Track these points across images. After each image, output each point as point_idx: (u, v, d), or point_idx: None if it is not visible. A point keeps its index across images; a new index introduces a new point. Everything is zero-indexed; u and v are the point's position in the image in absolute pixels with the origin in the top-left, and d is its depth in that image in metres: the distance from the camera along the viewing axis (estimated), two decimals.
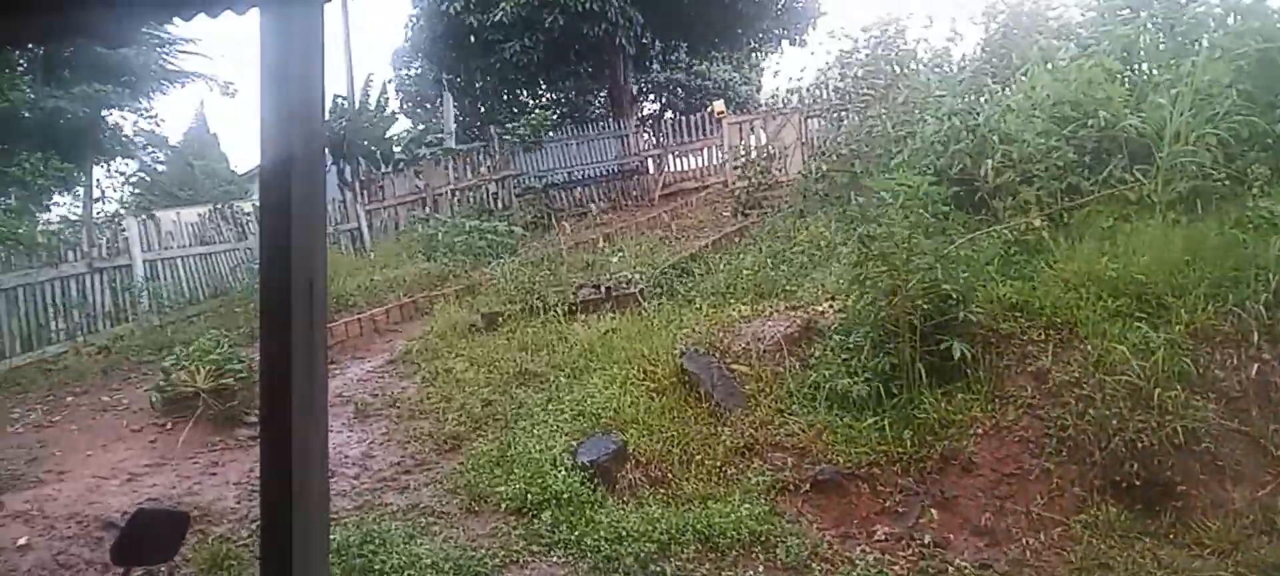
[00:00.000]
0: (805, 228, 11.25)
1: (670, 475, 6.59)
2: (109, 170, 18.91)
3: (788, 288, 9.39)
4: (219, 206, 16.35)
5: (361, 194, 18.31)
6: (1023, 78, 9.78)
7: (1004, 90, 10.45)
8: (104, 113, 14.99)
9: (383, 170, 18.91)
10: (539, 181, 18.65)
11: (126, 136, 17.46)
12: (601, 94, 25.55)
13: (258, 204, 15.94)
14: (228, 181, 30.14)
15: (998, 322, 6.92)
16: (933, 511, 5.86)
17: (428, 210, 17.61)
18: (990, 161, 8.37)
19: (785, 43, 23.17)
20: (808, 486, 6.20)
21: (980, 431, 6.32)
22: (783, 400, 7.10)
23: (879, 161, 10.42)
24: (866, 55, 13.28)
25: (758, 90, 29.02)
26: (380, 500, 6.45)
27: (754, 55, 26.35)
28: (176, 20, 2.60)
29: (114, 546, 1.88)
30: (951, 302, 6.66)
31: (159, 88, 16.21)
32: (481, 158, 19.11)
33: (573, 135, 20.60)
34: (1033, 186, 8.26)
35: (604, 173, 19.61)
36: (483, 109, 24.24)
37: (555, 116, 23.16)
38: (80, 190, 16.04)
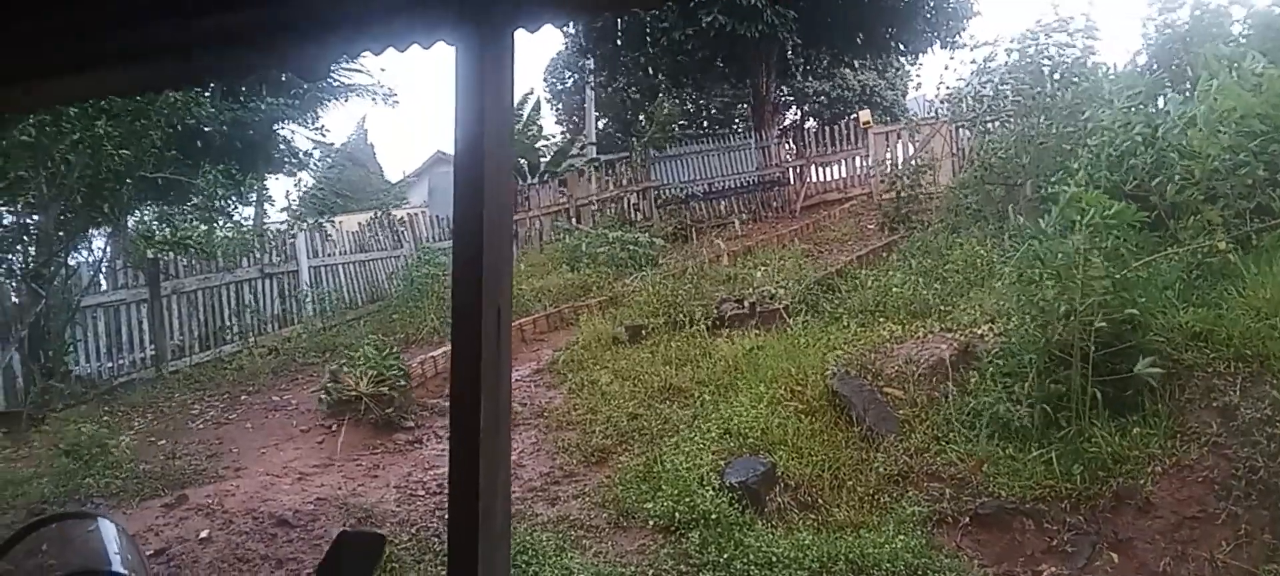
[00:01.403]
0: (959, 244, 10.81)
1: (821, 500, 6.45)
2: (279, 180, 20.25)
3: (942, 308, 9.03)
4: (377, 215, 17.15)
5: None
6: (1202, 87, 9.08)
7: (1182, 101, 9.73)
8: (276, 127, 15.99)
9: (529, 181, 19.38)
10: (681, 192, 18.69)
11: (296, 149, 18.55)
12: (741, 104, 25.40)
13: (410, 212, 16.57)
14: (383, 190, 31.72)
15: (1179, 352, 6.43)
16: (1111, 555, 5.49)
17: (572, 221, 17.93)
18: (1170, 177, 7.80)
19: (937, 45, 22.15)
20: (967, 520, 5.93)
21: (1159, 469, 5.89)
22: (939, 427, 6.82)
23: (1041, 175, 9.90)
24: (1024, 60, 12.63)
25: (903, 97, 28.19)
26: (531, 510, 6.56)
27: (901, 60, 25.49)
28: (367, 52, 2.69)
29: (320, 568, 1.94)
30: (1130, 329, 6.23)
31: (328, 101, 17.15)
32: (623, 169, 19.33)
33: (714, 145, 20.56)
34: (1217, 205, 7.65)
35: (745, 183, 19.49)
36: (628, 118, 24.52)
37: (701, 126, 23.16)
38: (253, 199, 17.13)
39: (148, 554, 6.00)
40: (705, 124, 25.34)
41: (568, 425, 8.17)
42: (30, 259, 9.95)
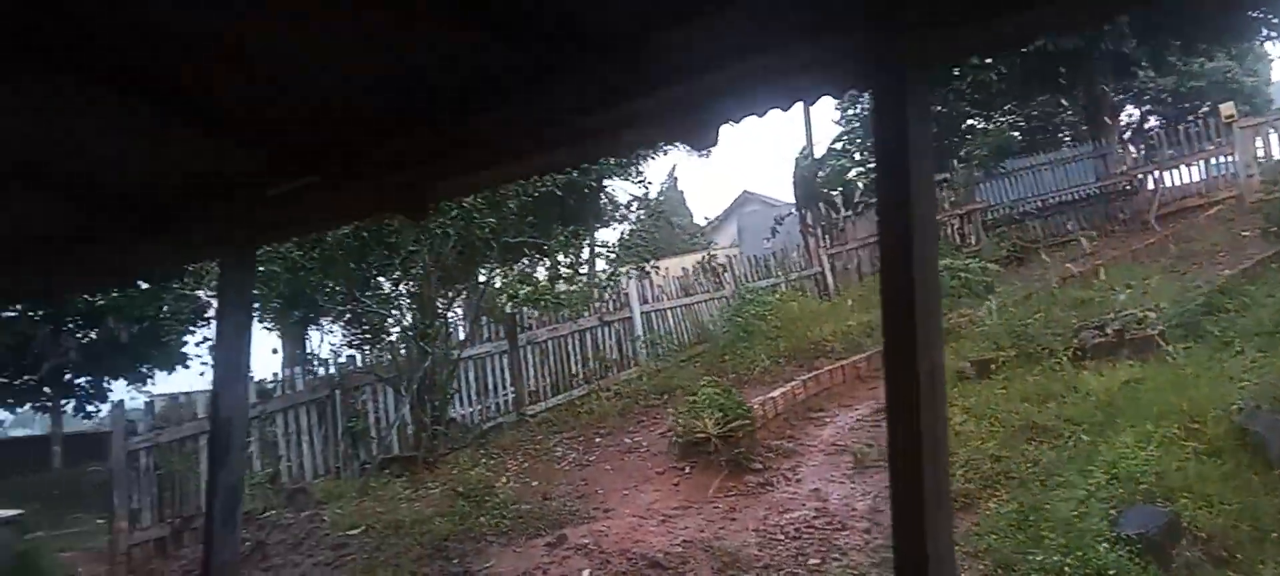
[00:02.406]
0: None
1: (1240, 555, 5.61)
2: (602, 233, 21.71)
3: None
4: (701, 260, 17.73)
5: (824, 238, 18.67)
6: None
7: None
8: (605, 184, 17.16)
9: (844, 213, 19.12)
10: (1010, 212, 17.51)
11: (618, 202, 19.75)
12: (1067, 111, 23.37)
13: (729, 254, 16.82)
14: (694, 235, 32.86)
15: None
16: None
17: None
18: None
19: None
20: None
21: None
22: None
23: None
24: None
25: (1266, 85, 24.50)
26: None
27: (1266, 44, 22.14)
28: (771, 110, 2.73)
29: None
30: None
31: (648, 156, 18.12)
32: (944, 192, 18.47)
33: (1044, 159, 19.06)
34: None
35: (1084, 196, 17.86)
36: (944, 140, 23.45)
37: (1025, 139, 21.64)
38: (586, 253, 18.43)
39: None
40: (1029, 136, 23.57)
41: None
42: (416, 320, 11.36)
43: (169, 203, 4.56)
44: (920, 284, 1.99)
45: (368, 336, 19.28)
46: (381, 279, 12.56)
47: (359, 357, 12.67)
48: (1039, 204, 17.97)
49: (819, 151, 21.05)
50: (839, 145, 20.62)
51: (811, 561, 6.42)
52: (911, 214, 2.01)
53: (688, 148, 12.41)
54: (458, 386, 12.16)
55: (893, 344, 2.05)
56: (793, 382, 10.43)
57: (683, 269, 17.24)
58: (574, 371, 13.94)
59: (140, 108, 2.96)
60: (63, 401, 21.81)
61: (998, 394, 8.77)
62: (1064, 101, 23.33)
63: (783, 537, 6.89)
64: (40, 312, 17.99)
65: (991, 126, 20.96)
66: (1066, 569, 5.61)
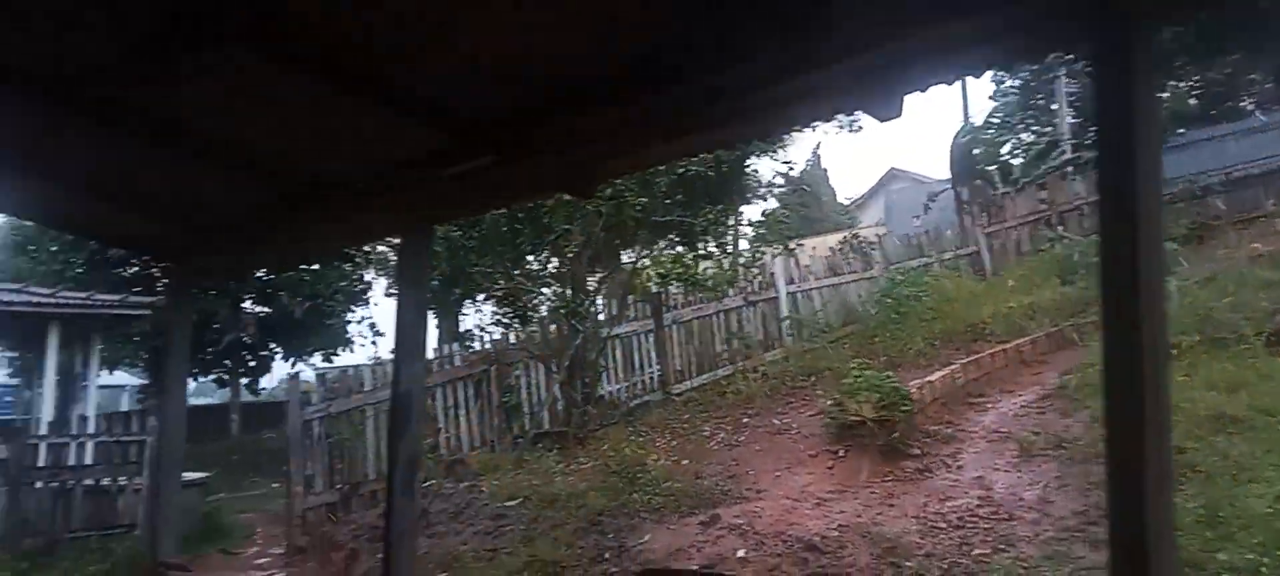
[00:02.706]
0: None
1: None
2: (745, 211, 21.50)
3: None
4: (847, 239, 17.34)
5: (980, 216, 17.87)
6: None
7: None
8: (748, 162, 16.96)
9: (1001, 189, 18.24)
10: (1191, 186, 16.24)
11: (761, 180, 19.49)
12: (1253, 77, 21.44)
13: (878, 233, 16.36)
14: (838, 213, 32.19)
15: None
16: None
17: (1054, 229, 16.47)
18: None
19: None
20: None
21: None
22: None
23: None
24: None
25: None
26: (1070, 552, 6.01)
27: None
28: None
29: None
30: None
31: (793, 133, 17.80)
32: None
33: (1227, 128, 17.59)
34: None
35: (1275, 168, 16.33)
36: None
37: (1196, 107, 20.07)
38: (730, 232, 18.30)
39: (692, 570, 6.56)
40: (1209, 104, 21.78)
41: (1093, 457, 7.37)
42: (567, 299, 11.59)
43: (356, 183, 4.80)
44: (1145, 253, 1.86)
45: (517, 315, 19.91)
46: (531, 258, 12.88)
47: (511, 336, 13.04)
48: (1223, 177, 16.58)
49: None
50: (996, 120, 19.66)
51: (977, 552, 6.17)
52: (1137, 180, 1.88)
53: (874, 116, 12.12)
54: (606, 364, 12.35)
55: (1112, 315, 1.92)
56: (950, 366, 10.04)
57: (830, 248, 16.88)
58: (718, 351, 13.92)
59: (331, 90, 3.11)
60: (240, 374, 23.53)
61: (1178, 381, 8.16)
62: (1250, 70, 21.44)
63: (944, 526, 6.66)
64: (218, 291, 19.43)
65: (1166, 93, 19.45)
66: (1263, 569, 5.18)
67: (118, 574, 9.24)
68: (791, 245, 15.78)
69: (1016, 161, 19.08)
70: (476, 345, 13.51)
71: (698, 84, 2.67)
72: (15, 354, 19.71)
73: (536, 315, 12.68)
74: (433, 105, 3.30)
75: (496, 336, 13.15)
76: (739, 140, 7.36)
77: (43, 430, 12.73)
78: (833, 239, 19.89)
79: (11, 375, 22.06)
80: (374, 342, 23.38)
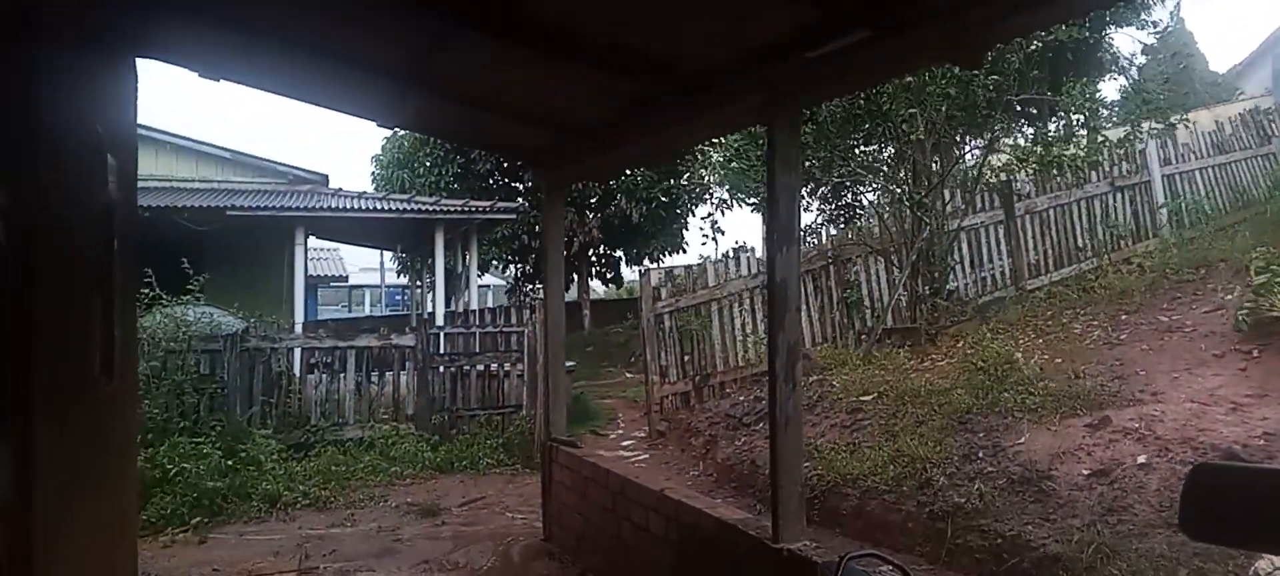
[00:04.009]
0: None
1: None
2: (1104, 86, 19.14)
3: None
4: (1241, 112, 14.94)
5: None
6: None
7: None
8: (1104, 32, 15.00)
9: None
10: None
11: (1117, 52, 17.25)
12: None
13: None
14: (1211, 83, 27.83)
15: None
16: None
17: None
18: None
19: None
20: None
21: None
22: None
23: None
24: None
25: None
26: None
27: None
28: None
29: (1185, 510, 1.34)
30: None
31: None
32: None
33: None
34: None
35: None
36: None
37: None
38: (1087, 111, 16.46)
39: (1084, 474, 6.08)
40: None
41: None
42: (913, 189, 11.04)
43: (717, 72, 4.76)
44: None
45: (848, 208, 19.45)
46: (865, 149, 12.38)
47: (842, 231, 12.75)
48: None
49: None
50: None
51: None
52: None
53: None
54: (952, 258, 11.71)
55: None
56: None
57: (1216, 122, 14.61)
58: (1080, 243, 12.68)
59: None
60: (589, 276, 25.40)
61: None
62: None
63: None
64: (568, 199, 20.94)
65: None
66: None
67: (514, 445, 10.41)
68: (1173, 120, 13.84)
69: None
70: (812, 240, 13.35)
71: None
72: (406, 254, 22.66)
73: (870, 209, 12.24)
74: None
75: (832, 232, 12.91)
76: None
77: (440, 321, 14.62)
78: (1204, 115, 17.23)
79: (399, 273, 25.49)
80: (714, 240, 24.02)
